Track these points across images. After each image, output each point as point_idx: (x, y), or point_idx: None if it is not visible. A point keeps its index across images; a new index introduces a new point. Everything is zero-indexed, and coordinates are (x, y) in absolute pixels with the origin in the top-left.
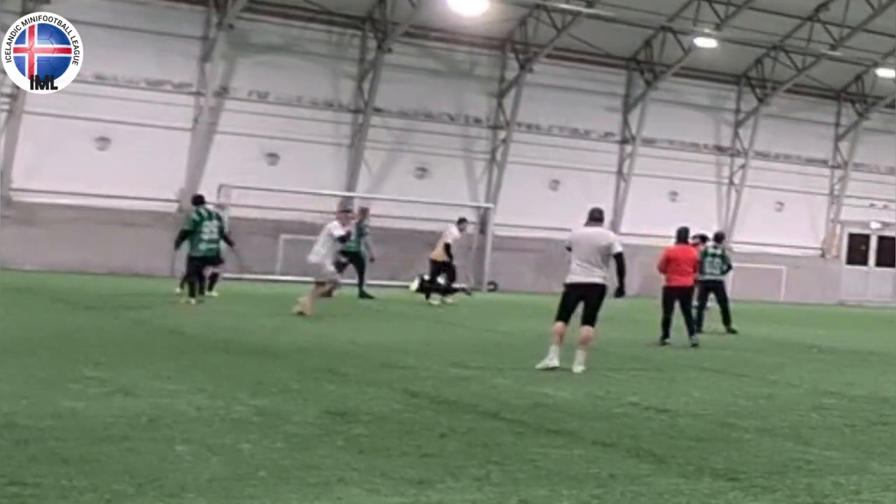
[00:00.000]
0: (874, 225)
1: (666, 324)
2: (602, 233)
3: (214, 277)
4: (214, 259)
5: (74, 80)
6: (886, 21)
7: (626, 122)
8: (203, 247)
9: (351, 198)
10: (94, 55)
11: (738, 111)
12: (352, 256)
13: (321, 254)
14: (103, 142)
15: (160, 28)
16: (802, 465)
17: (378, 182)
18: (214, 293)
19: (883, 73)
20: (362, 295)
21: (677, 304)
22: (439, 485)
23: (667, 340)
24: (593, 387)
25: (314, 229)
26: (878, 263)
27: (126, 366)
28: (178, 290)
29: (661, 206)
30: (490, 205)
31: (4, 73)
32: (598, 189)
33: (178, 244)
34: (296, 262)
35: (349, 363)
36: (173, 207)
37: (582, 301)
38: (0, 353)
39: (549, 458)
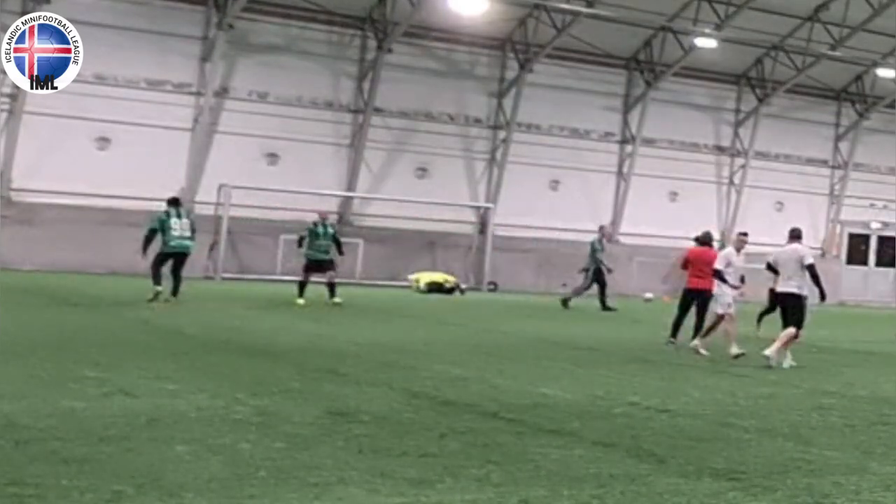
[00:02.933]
0: (874, 225)
1: (676, 324)
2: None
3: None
4: (181, 256)
5: (74, 81)
6: (886, 21)
7: (626, 122)
8: (174, 242)
9: (351, 198)
10: (95, 55)
11: (738, 111)
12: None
13: None
14: (103, 142)
15: (160, 28)
16: (802, 465)
17: (378, 182)
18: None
19: (883, 73)
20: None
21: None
22: (439, 484)
23: (672, 341)
24: (593, 387)
25: None
26: (878, 263)
27: (126, 366)
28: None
29: (661, 206)
30: (490, 205)
31: (4, 73)
32: (598, 189)
33: (145, 247)
34: (297, 263)
35: (349, 363)
36: None
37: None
38: (0, 354)
39: (549, 458)
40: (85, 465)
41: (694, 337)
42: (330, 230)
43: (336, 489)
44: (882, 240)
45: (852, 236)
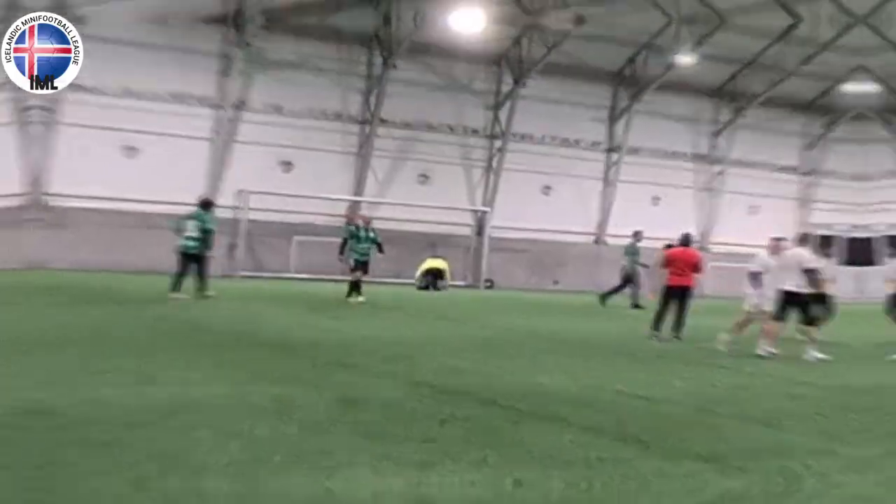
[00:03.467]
0: (840, 228)
1: (657, 318)
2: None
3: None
4: (195, 255)
5: (104, 94)
6: (851, 39)
7: (612, 133)
8: (181, 242)
9: (359, 202)
10: (123, 70)
11: (715, 122)
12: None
13: None
14: (130, 150)
15: (183, 46)
16: (775, 448)
17: (383, 188)
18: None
19: (848, 87)
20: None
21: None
22: (439, 467)
23: (655, 333)
24: (583, 377)
25: (325, 231)
26: (844, 263)
27: (150, 358)
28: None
29: (645, 210)
30: (487, 209)
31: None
32: (586, 195)
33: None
34: (308, 262)
35: (358, 356)
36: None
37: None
38: (33, 347)
39: (542, 443)
40: (112, 449)
41: (675, 329)
42: (371, 234)
43: (345, 471)
44: (849, 241)
45: (820, 238)
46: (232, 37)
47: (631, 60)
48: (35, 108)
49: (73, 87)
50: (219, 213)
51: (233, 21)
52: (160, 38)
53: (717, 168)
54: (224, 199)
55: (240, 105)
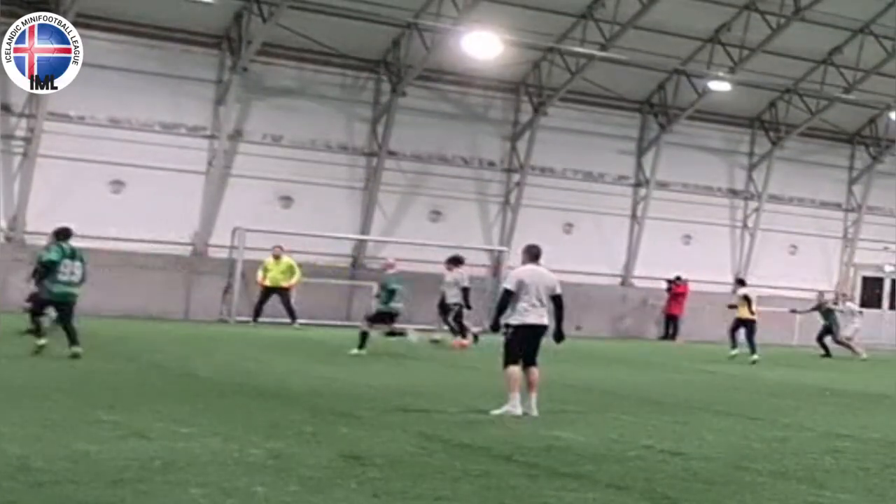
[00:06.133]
0: (888, 268)
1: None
2: (548, 273)
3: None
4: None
5: (89, 123)
6: None
7: (639, 166)
8: (57, 289)
9: (365, 241)
10: (109, 98)
11: (751, 154)
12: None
13: None
14: (117, 185)
15: (174, 71)
16: None
17: (392, 225)
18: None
19: None
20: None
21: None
22: None
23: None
24: (607, 430)
25: (328, 272)
26: (892, 307)
27: (139, 409)
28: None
29: (675, 249)
30: (504, 248)
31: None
32: (611, 232)
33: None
34: (309, 306)
35: (362, 406)
36: (187, 251)
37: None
38: (15, 396)
39: (563, 502)
40: None
41: None
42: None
43: None
44: None
45: (866, 280)
46: (227, 61)
47: (660, 87)
48: (13, 137)
49: (56, 115)
50: (213, 252)
51: (228, 44)
52: (150, 64)
53: (753, 204)
54: (219, 238)
55: (236, 135)
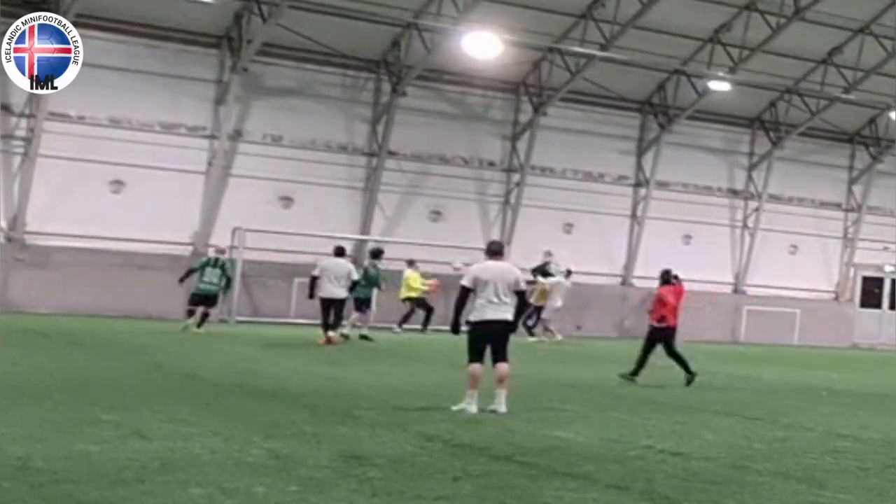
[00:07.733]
0: (888, 268)
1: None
2: (510, 268)
3: (206, 316)
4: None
5: (88, 123)
6: None
7: (639, 166)
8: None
9: (365, 241)
10: (109, 98)
11: (751, 154)
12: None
13: None
14: (117, 185)
15: (174, 72)
16: None
17: (392, 225)
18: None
19: None
20: None
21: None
22: None
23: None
24: (607, 430)
25: None
26: (892, 307)
27: (140, 409)
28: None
29: (675, 249)
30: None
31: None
32: (611, 232)
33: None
34: (310, 305)
35: (362, 406)
36: (187, 251)
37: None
38: (15, 396)
39: (563, 502)
40: None
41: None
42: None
43: None
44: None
45: (866, 279)
46: (227, 61)
47: (660, 87)
48: (13, 137)
49: (56, 115)
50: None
51: (228, 44)
52: (149, 64)
53: (753, 204)
54: (219, 238)
55: (236, 135)
